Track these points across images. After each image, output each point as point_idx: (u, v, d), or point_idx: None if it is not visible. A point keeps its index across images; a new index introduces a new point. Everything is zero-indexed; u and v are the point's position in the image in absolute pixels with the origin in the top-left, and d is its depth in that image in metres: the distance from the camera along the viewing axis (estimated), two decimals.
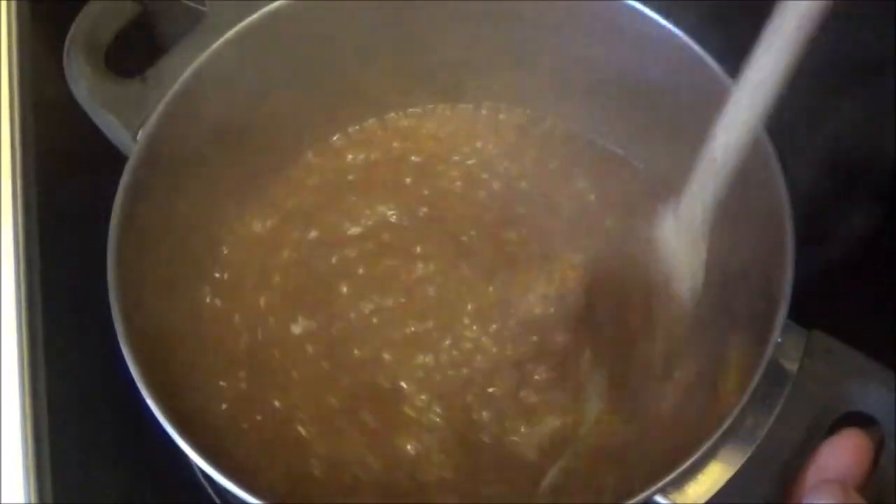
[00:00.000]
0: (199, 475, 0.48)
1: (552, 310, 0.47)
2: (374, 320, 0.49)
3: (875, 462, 0.38)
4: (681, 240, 0.40)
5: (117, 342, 0.40)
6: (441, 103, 0.56)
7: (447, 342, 0.48)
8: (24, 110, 0.46)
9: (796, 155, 0.43)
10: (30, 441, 0.40)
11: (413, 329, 0.49)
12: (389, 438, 0.46)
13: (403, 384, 0.47)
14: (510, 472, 0.45)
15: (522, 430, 0.46)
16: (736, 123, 0.36)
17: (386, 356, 0.48)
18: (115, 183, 0.43)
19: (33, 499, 0.39)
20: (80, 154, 0.50)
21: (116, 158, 0.45)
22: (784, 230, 0.41)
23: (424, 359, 0.48)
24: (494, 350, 0.48)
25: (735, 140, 0.36)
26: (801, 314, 0.39)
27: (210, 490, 0.48)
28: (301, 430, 0.46)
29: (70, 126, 0.47)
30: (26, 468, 0.40)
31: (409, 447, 0.45)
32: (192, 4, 0.47)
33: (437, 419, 0.46)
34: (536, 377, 0.47)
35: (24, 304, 0.43)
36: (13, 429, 0.40)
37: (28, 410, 0.41)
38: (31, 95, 0.47)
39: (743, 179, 0.45)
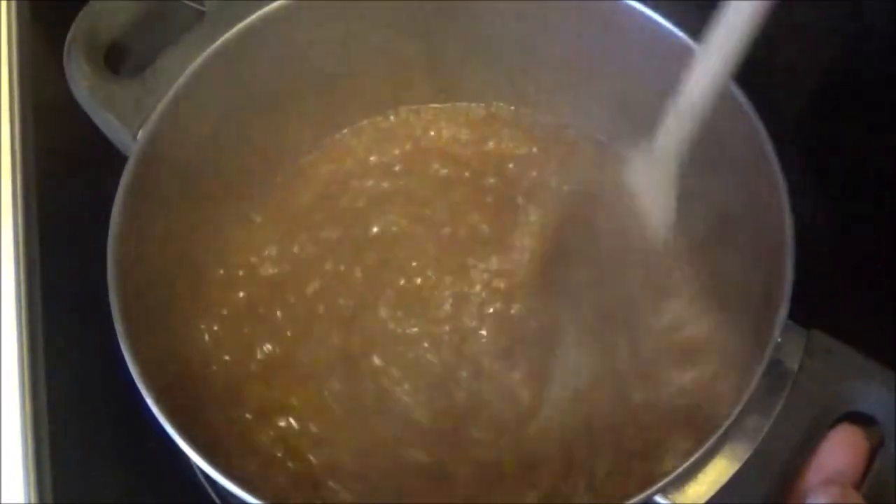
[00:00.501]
0: (199, 475, 0.48)
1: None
2: (382, 316, 0.49)
3: (872, 458, 0.38)
4: (653, 177, 0.42)
5: (117, 342, 0.40)
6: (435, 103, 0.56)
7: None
8: (24, 110, 0.47)
9: (797, 154, 0.43)
10: (30, 441, 0.40)
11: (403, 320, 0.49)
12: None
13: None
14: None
15: None
16: (709, 66, 0.39)
17: (391, 356, 0.48)
18: (115, 183, 0.43)
19: (33, 499, 0.39)
20: (80, 154, 0.50)
21: (116, 158, 0.45)
22: (784, 229, 0.41)
23: (412, 352, 0.48)
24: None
25: (709, 83, 0.39)
26: (801, 314, 0.39)
27: (210, 490, 0.48)
28: (298, 425, 0.47)
29: (70, 126, 0.47)
30: (26, 468, 0.40)
31: (409, 449, 0.46)
32: (191, 4, 0.47)
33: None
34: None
35: (24, 304, 0.43)
36: (13, 429, 0.40)
37: (28, 410, 0.41)
38: (31, 95, 0.47)
39: (743, 179, 0.45)
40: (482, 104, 0.56)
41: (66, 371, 0.44)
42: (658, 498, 0.37)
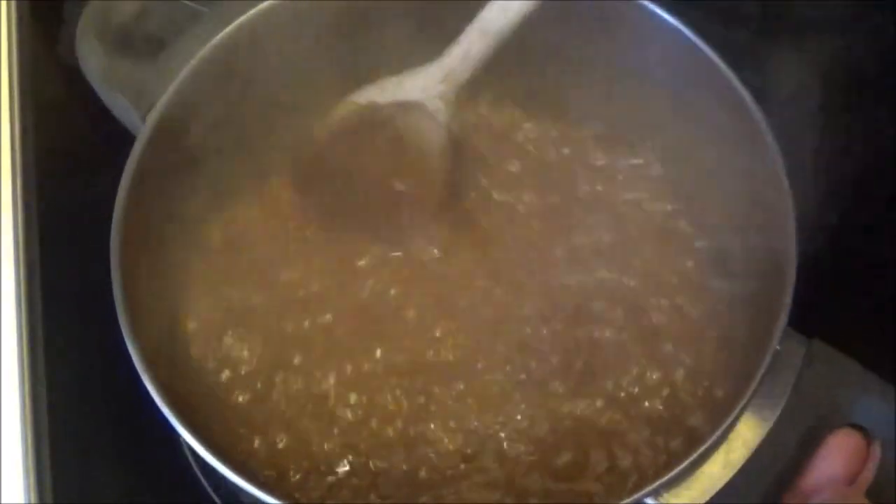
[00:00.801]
0: (200, 475, 0.48)
1: None
2: (387, 301, 0.49)
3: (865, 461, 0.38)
4: (436, 91, 0.47)
5: (117, 342, 0.40)
6: None
7: None
8: (24, 110, 0.46)
9: (801, 164, 0.43)
10: (30, 441, 0.40)
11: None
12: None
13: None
14: None
15: None
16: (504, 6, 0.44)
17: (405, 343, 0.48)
18: (116, 183, 0.43)
19: (33, 499, 0.39)
20: (80, 154, 0.50)
21: (116, 158, 0.45)
22: (786, 236, 0.41)
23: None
24: None
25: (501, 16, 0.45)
26: (804, 322, 0.39)
27: (210, 490, 0.48)
28: (309, 421, 0.46)
29: (70, 126, 0.47)
30: (26, 468, 0.40)
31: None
32: (192, 5, 0.47)
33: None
34: None
35: (24, 304, 0.43)
36: (13, 429, 0.40)
37: (28, 410, 0.41)
38: (31, 95, 0.47)
39: (749, 185, 0.45)
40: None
41: (66, 371, 0.44)
42: (649, 500, 0.37)
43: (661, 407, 0.46)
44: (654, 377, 0.46)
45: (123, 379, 0.42)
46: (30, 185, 0.45)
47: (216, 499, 0.48)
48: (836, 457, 0.38)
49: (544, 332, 0.47)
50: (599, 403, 0.46)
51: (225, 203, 0.51)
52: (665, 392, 0.46)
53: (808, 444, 0.38)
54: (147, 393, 0.46)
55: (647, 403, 0.46)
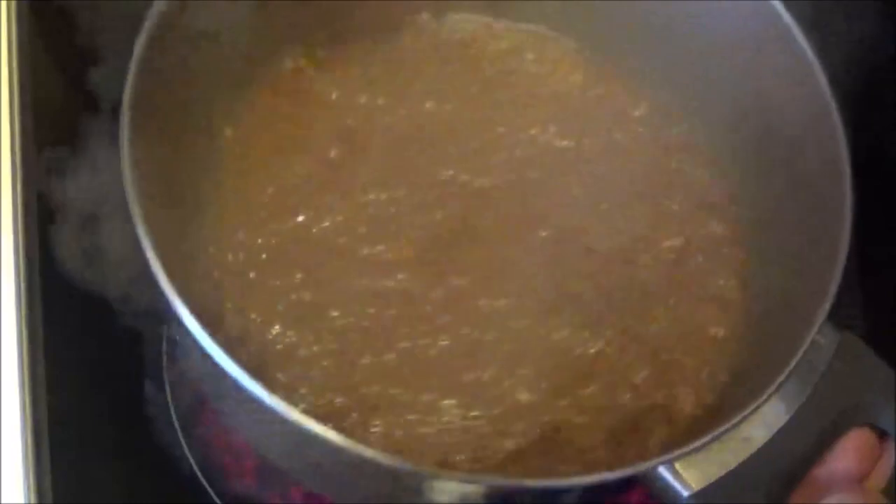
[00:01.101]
0: (200, 475, 0.48)
1: None
2: (392, 209, 0.49)
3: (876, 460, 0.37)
4: None
5: (117, 342, 0.40)
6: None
7: None
8: (23, 110, 0.46)
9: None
10: (30, 441, 0.40)
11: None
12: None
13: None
14: None
15: None
16: None
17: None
18: (115, 182, 0.43)
19: (33, 499, 0.39)
20: (79, 154, 0.50)
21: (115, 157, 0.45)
22: (841, 220, 0.40)
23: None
24: None
25: None
26: (838, 312, 0.38)
27: (210, 490, 0.48)
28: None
29: (70, 126, 0.47)
30: (26, 468, 0.40)
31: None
32: None
33: None
34: None
35: (24, 304, 0.43)
36: (13, 429, 0.40)
37: (28, 410, 0.41)
38: (31, 95, 0.47)
39: (803, 165, 0.44)
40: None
41: (66, 371, 0.44)
42: (662, 469, 0.37)
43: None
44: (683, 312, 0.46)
45: (123, 379, 0.42)
46: (30, 184, 0.45)
47: (216, 499, 0.48)
48: (851, 454, 0.37)
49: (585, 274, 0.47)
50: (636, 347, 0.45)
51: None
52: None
53: (825, 440, 0.37)
54: (146, 392, 0.46)
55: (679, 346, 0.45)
